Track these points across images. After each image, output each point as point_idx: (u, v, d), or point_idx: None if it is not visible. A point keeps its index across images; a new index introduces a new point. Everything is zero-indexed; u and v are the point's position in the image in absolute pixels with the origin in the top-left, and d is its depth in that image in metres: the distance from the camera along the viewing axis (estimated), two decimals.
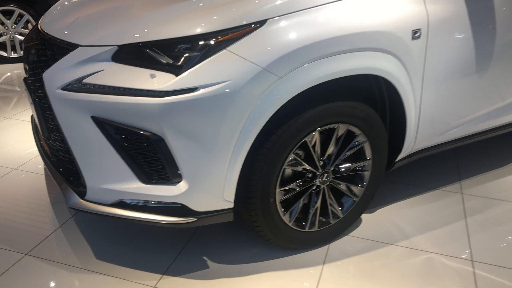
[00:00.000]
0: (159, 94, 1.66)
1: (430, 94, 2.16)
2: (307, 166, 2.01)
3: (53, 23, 2.11)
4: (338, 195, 2.21)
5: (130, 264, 2.07)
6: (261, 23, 1.73)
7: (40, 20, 2.29)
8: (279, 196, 1.99)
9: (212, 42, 1.68)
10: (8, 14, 4.99)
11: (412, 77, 2.05)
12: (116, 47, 1.78)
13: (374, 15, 1.89)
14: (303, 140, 1.92)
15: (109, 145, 1.78)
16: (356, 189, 2.21)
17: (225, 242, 2.23)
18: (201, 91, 1.66)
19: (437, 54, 2.09)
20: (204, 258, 2.13)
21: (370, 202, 2.30)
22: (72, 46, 1.86)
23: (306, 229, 2.13)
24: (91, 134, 1.78)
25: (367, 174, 2.20)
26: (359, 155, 2.16)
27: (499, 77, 2.41)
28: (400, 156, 2.30)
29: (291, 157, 1.94)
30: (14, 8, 4.97)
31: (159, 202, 1.86)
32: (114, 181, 1.84)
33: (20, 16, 5.04)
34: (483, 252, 2.18)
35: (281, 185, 1.98)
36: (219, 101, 1.67)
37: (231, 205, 1.89)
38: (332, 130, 2.01)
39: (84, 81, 1.76)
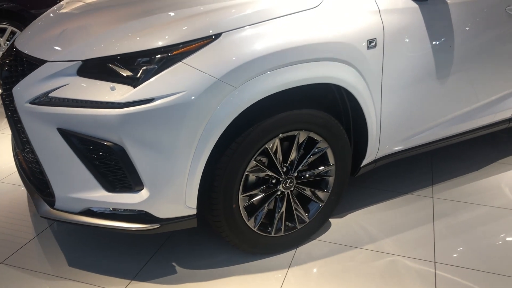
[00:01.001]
0: (117, 105, 1.74)
1: (390, 101, 2.23)
2: (270, 172, 2.08)
3: (25, 41, 2.20)
4: (304, 200, 2.27)
5: (101, 270, 2.14)
6: (216, 36, 1.81)
7: (16, 38, 2.39)
8: (242, 201, 2.05)
9: (167, 55, 1.77)
10: (0, 31, 5.11)
11: (370, 85, 2.13)
12: (80, 62, 1.86)
13: (329, 27, 1.97)
14: (264, 147, 2.00)
15: (74, 155, 1.86)
16: (321, 194, 2.28)
17: (195, 248, 2.29)
18: (158, 102, 1.74)
19: (395, 62, 2.16)
20: (173, 264, 2.20)
21: (336, 207, 2.36)
22: (40, 62, 1.94)
23: (272, 234, 2.19)
24: (57, 145, 1.86)
25: (331, 179, 2.26)
26: (322, 161, 2.22)
27: (463, 83, 2.48)
28: (365, 162, 2.36)
29: (253, 163, 2.00)
30: (7, 26, 5.09)
31: (124, 210, 1.94)
32: (80, 190, 1.92)
33: (13, 33, 5.16)
34: (446, 254, 2.24)
35: (245, 191, 2.05)
36: (175, 111, 1.75)
37: (194, 212, 1.96)
38: (293, 137, 2.07)
39: (51, 95, 1.85)
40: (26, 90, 1.92)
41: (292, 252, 2.27)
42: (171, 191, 1.87)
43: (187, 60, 1.77)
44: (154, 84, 1.75)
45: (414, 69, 2.24)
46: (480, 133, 2.76)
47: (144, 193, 1.87)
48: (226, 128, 1.87)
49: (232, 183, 1.97)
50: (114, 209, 1.96)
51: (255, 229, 2.13)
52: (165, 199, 1.89)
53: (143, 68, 1.78)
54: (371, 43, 2.06)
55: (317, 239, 2.37)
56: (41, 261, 2.22)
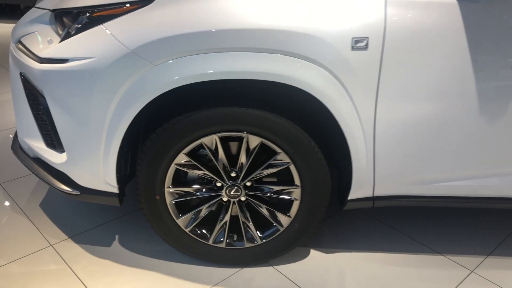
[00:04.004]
0: (39, 60, 1.68)
1: (391, 128, 1.65)
2: (207, 172, 1.78)
3: None
4: (264, 218, 1.90)
5: (55, 222, 2.18)
6: (147, 1, 1.57)
7: None
8: (170, 196, 1.81)
9: (91, 15, 1.61)
10: None
11: (355, 98, 1.60)
12: (50, 12, 1.85)
13: (297, 12, 1.52)
14: (199, 141, 1.71)
15: (27, 102, 1.88)
16: (282, 217, 1.87)
17: (147, 230, 2.13)
18: (70, 63, 1.61)
19: (402, 77, 1.58)
20: (116, 236, 2.11)
21: (303, 237, 1.90)
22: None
23: (210, 243, 1.90)
24: (19, 89, 1.91)
25: (295, 204, 1.83)
26: (286, 179, 1.81)
27: None
28: (353, 196, 1.83)
29: (183, 157, 1.74)
30: None
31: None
32: (30, 136, 1.94)
33: None
34: None
35: (176, 185, 1.81)
36: (85, 76, 1.60)
37: (115, 190, 1.81)
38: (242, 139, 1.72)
39: (21, 39, 1.89)
40: (17, 30, 1.99)
41: (234, 270, 1.94)
42: (87, 161, 1.76)
43: (107, 24, 1.58)
44: (71, 44, 1.63)
45: (438, 93, 1.60)
46: None
47: (64, 155, 1.80)
48: (158, 109, 1.66)
49: (154, 172, 1.75)
50: None
51: (186, 230, 1.88)
52: (82, 168, 1.78)
53: (70, 26, 1.67)
54: (358, 43, 1.53)
55: (274, 266, 1.97)
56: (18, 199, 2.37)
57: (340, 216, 2.30)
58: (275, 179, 1.87)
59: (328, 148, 1.78)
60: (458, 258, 2.07)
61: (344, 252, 2.07)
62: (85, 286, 1.82)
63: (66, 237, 2.09)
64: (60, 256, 1.97)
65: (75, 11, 1.67)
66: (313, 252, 2.06)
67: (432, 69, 1.57)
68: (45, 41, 1.74)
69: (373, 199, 1.86)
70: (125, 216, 2.24)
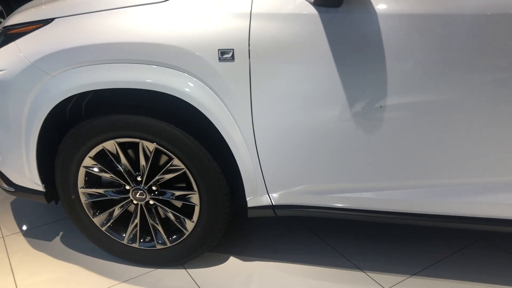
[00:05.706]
0: None
1: (270, 134, 1.70)
2: (113, 176, 1.93)
3: None
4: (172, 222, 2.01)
5: (14, 216, 2.45)
6: (48, 21, 1.78)
7: None
8: (84, 196, 1.99)
9: (7, 33, 1.86)
10: None
11: (231, 107, 1.68)
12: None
13: (169, 27, 1.63)
14: (100, 146, 1.87)
15: None
16: (187, 222, 1.96)
17: None
18: None
19: (274, 86, 1.62)
20: (60, 233, 2.32)
21: (208, 242, 1.97)
22: None
23: (124, 242, 2.04)
24: None
25: (196, 208, 1.92)
26: (187, 184, 1.91)
27: (405, 140, 1.63)
28: (253, 204, 1.88)
29: (91, 161, 1.91)
30: None
31: None
32: None
33: None
34: None
35: (89, 187, 1.98)
36: (0, 87, 1.84)
37: (41, 188, 2.02)
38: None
39: None
40: None
41: (148, 270, 2.06)
42: (14, 161, 1.98)
43: (18, 40, 1.81)
44: None
45: (310, 102, 1.62)
46: (474, 226, 1.76)
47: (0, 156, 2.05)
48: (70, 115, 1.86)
49: (67, 173, 1.94)
50: None
51: (102, 229, 2.04)
52: (12, 167, 2.02)
53: None
54: (224, 54, 1.61)
55: (187, 269, 2.06)
56: None
57: (273, 227, 2.33)
58: (184, 185, 1.97)
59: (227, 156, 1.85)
60: (377, 276, 2.01)
61: (262, 261, 2.10)
62: (12, 272, 2.05)
63: (18, 230, 2.34)
64: (5, 247, 2.22)
65: (2, 29, 1.93)
66: (231, 259, 2.12)
67: (301, 78, 1.59)
68: None
69: (273, 207, 1.89)
70: None
